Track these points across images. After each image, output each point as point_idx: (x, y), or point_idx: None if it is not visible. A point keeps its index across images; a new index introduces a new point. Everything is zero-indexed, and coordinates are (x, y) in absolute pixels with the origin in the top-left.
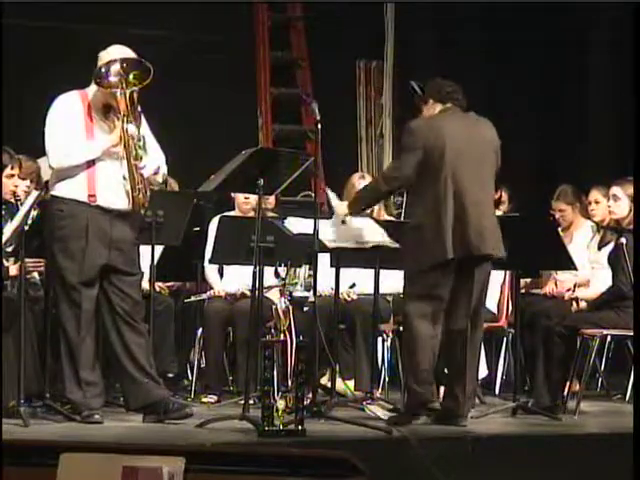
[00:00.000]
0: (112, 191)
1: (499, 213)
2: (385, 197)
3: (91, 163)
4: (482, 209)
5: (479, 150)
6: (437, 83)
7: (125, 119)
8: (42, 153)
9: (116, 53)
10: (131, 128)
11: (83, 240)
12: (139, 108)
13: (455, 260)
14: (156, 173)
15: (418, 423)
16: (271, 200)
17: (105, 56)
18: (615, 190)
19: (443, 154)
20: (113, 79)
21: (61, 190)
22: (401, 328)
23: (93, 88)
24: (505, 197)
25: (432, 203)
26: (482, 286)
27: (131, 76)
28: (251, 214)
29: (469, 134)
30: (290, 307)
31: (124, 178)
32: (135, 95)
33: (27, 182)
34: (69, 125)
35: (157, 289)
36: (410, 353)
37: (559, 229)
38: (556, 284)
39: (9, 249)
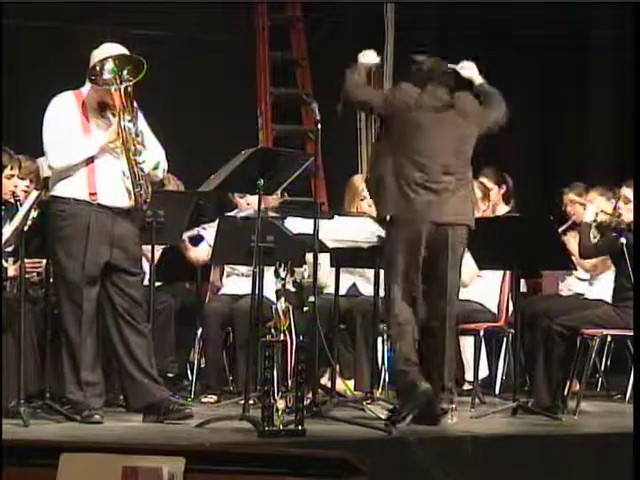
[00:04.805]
0: (113, 188)
1: (507, 208)
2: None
3: (90, 161)
4: (452, 187)
5: (453, 139)
6: (418, 64)
7: (121, 115)
8: (42, 153)
9: (108, 51)
10: (128, 123)
11: (85, 239)
12: (135, 104)
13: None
14: (156, 168)
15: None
16: (270, 200)
17: (98, 54)
18: (626, 191)
19: (414, 132)
20: (107, 76)
21: (62, 190)
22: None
23: (88, 87)
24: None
25: (392, 167)
26: (457, 259)
27: (125, 72)
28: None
29: (446, 122)
30: (290, 307)
31: (124, 174)
32: (130, 90)
33: (26, 182)
34: (66, 125)
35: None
36: (393, 337)
37: (567, 225)
38: None
39: (9, 249)
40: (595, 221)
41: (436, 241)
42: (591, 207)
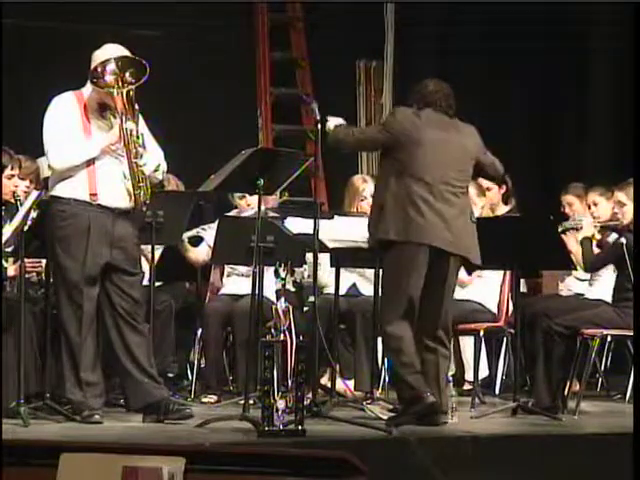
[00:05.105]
0: (113, 190)
1: (507, 208)
2: (348, 146)
3: (91, 162)
4: (454, 211)
5: (454, 156)
6: (420, 86)
7: (123, 117)
8: (42, 153)
9: (111, 52)
10: (130, 126)
11: (85, 239)
12: (137, 106)
13: (426, 260)
14: (156, 171)
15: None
16: (270, 200)
17: (99, 55)
18: (619, 196)
19: (416, 149)
20: (109, 78)
21: (62, 190)
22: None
23: (88, 88)
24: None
25: (395, 188)
26: (452, 287)
27: (127, 74)
28: (251, 214)
29: (447, 139)
30: (290, 307)
31: (125, 176)
32: (132, 93)
33: (27, 182)
34: (66, 125)
35: None
36: (393, 350)
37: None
38: None
39: (9, 249)
40: (593, 235)
41: (437, 265)
42: (587, 222)
